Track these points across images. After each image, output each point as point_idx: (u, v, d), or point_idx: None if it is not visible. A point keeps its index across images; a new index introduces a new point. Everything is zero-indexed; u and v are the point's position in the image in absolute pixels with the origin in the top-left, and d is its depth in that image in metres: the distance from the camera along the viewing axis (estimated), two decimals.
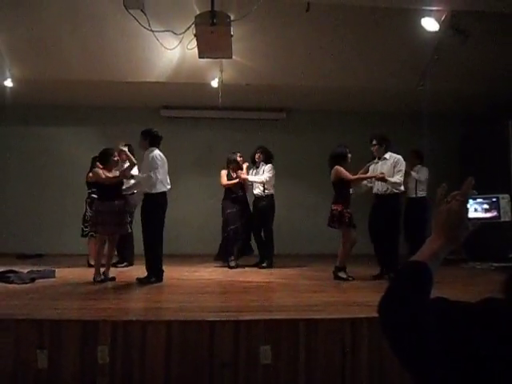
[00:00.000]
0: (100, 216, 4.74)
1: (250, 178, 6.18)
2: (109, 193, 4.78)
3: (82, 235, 5.96)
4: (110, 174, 4.87)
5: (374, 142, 5.09)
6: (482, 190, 0.99)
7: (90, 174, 5.24)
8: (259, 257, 6.19)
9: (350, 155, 5.11)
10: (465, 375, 0.65)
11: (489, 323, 0.65)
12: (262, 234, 6.17)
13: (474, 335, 0.65)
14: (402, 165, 5.05)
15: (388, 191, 5.01)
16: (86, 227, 5.81)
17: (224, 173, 6.17)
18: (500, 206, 0.93)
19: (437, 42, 5.60)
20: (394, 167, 5.01)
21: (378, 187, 5.09)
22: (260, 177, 6.11)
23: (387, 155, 5.08)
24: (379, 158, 5.11)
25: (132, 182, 5.40)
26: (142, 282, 4.64)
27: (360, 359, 3.00)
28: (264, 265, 6.01)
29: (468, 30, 5.12)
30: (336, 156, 5.09)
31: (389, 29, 5.58)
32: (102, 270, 4.78)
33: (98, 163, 4.98)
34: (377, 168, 5.11)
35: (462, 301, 0.74)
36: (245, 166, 6.27)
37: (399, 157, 5.08)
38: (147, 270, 4.73)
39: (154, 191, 4.72)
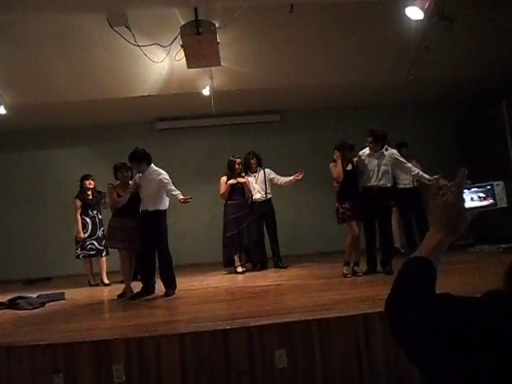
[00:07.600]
0: (131, 232, 4.76)
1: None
2: (134, 208, 4.81)
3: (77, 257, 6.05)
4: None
5: (370, 140, 5.03)
6: (483, 175, 0.99)
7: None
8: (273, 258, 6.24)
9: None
10: (471, 372, 0.63)
11: (492, 318, 0.64)
12: (267, 235, 6.23)
13: (479, 331, 0.64)
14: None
15: (387, 184, 5.06)
16: (77, 248, 5.99)
17: (223, 180, 6.14)
18: (495, 192, 0.93)
19: (423, 30, 5.61)
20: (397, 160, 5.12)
21: (383, 181, 5.04)
22: (285, 178, 6.22)
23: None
24: (376, 152, 5.07)
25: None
26: (169, 295, 4.62)
27: (375, 354, 2.98)
28: (281, 264, 6.11)
29: (453, 15, 5.13)
30: (335, 149, 5.10)
31: (374, 21, 5.59)
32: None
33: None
34: (375, 162, 5.04)
35: (465, 296, 0.73)
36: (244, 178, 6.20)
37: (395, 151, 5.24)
38: (169, 284, 4.71)
39: (165, 208, 4.87)
